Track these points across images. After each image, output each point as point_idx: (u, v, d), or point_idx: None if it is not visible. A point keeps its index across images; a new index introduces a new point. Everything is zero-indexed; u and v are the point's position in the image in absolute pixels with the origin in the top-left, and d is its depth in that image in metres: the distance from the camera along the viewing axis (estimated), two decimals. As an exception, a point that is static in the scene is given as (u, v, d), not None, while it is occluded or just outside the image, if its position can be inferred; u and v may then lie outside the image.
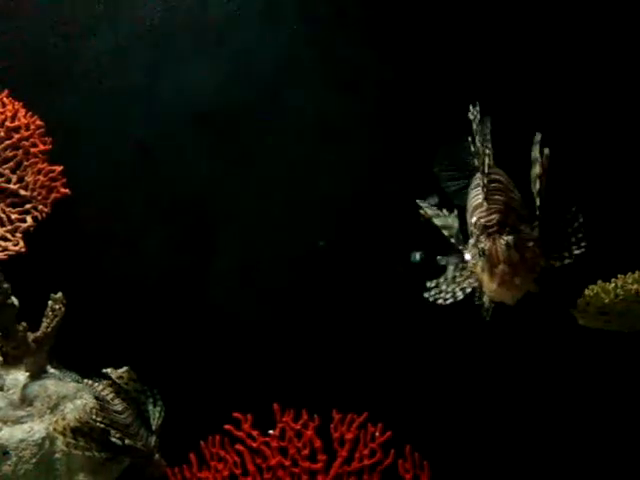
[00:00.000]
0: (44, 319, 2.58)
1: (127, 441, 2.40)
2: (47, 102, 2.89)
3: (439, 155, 2.36)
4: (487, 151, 2.01)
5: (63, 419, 2.44)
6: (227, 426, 2.63)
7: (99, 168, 2.92)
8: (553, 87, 2.65)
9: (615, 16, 2.62)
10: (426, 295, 2.10)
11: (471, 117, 2.06)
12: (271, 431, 2.62)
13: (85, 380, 2.55)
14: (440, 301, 2.08)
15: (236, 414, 2.63)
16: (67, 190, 2.81)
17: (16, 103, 2.84)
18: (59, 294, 2.58)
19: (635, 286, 2.04)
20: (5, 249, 2.71)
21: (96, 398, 2.47)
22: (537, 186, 1.93)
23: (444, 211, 2.04)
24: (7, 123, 2.81)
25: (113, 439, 2.40)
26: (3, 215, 2.76)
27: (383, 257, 2.80)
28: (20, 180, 2.79)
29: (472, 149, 2.09)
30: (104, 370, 2.52)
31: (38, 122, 2.84)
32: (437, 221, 2.02)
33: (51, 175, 2.80)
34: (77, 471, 2.42)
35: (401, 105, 2.81)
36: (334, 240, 2.84)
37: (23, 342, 2.53)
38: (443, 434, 2.65)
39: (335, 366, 2.78)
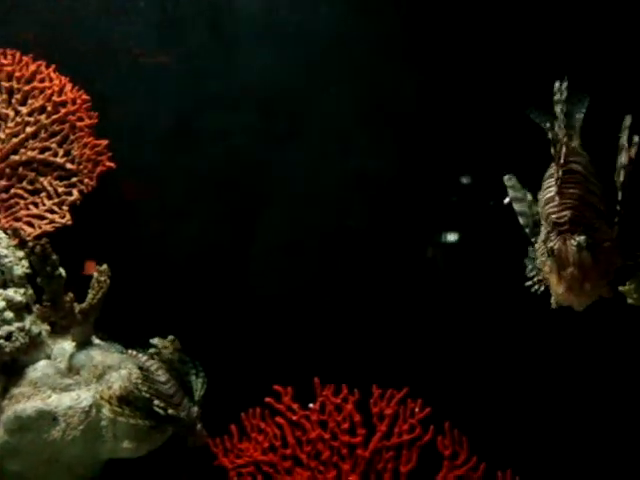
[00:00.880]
0: (90, 290, 2.61)
1: (170, 411, 2.43)
2: (91, 77, 2.92)
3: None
4: (566, 139, 1.76)
5: (109, 388, 2.48)
6: (268, 399, 2.66)
7: (145, 144, 2.96)
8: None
9: None
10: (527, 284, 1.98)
11: (556, 98, 1.81)
12: (311, 404, 2.64)
13: (129, 351, 2.58)
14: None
15: (277, 387, 2.66)
16: (113, 164, 2.85)
17: (63, 78, 2.87)
18: (104, 266, 2.61)
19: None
20: (52, 221, 2.77)
21: (140, 368, 2.50)
22: (621, 177, 1.74)
23: (527, 195, 1.89)
24: (54, 97, 2.84)
25: (156, 409, 2.43)
26: (50, 188, 2.81)
27: (416, 240, 2.83)
28: (67, 154, 2.83)
29: (549, 135, 1.84)
30: (151, 340, 2.55)
31: (84, 96, 2.87)
32: (517, 206, 1.90)
33: (97, 149, 2.83)
34: (122, 438, 2.46)
35: (446, 85, 2.80)
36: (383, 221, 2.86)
37: (70, 312, 2.58)
38: (483, 411, 2.65)
39: (375, 342, 2.79)
